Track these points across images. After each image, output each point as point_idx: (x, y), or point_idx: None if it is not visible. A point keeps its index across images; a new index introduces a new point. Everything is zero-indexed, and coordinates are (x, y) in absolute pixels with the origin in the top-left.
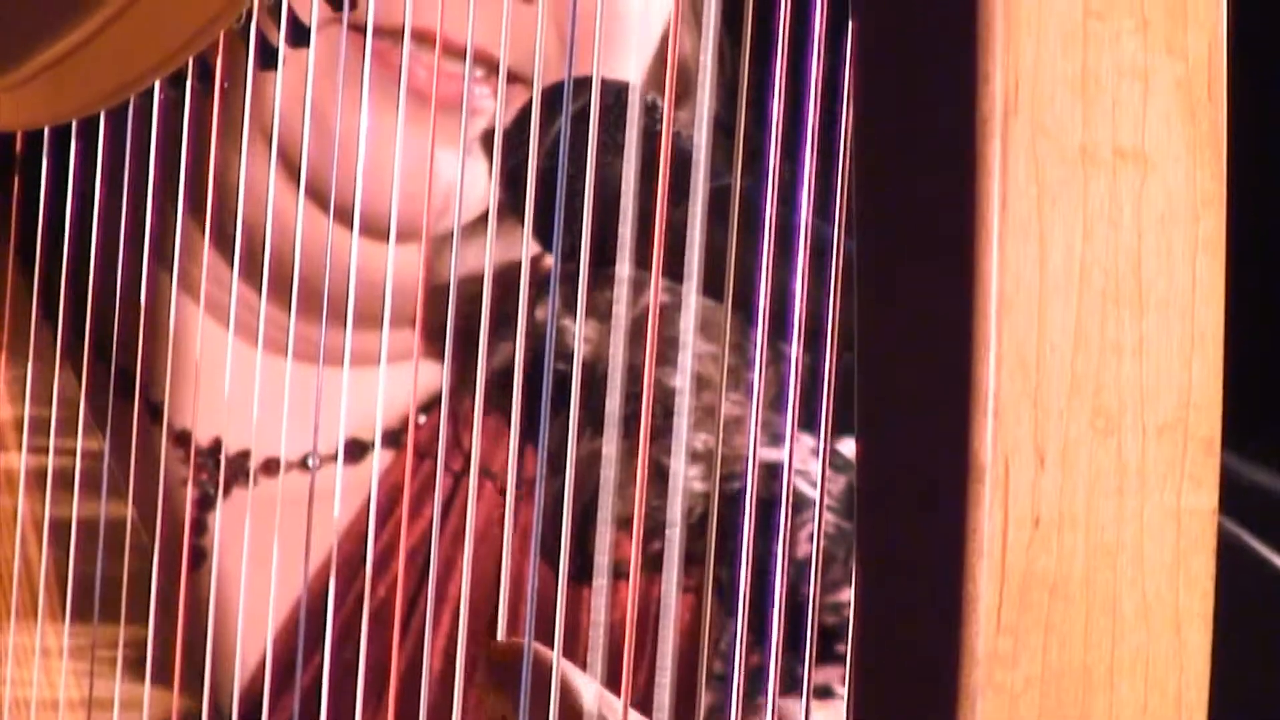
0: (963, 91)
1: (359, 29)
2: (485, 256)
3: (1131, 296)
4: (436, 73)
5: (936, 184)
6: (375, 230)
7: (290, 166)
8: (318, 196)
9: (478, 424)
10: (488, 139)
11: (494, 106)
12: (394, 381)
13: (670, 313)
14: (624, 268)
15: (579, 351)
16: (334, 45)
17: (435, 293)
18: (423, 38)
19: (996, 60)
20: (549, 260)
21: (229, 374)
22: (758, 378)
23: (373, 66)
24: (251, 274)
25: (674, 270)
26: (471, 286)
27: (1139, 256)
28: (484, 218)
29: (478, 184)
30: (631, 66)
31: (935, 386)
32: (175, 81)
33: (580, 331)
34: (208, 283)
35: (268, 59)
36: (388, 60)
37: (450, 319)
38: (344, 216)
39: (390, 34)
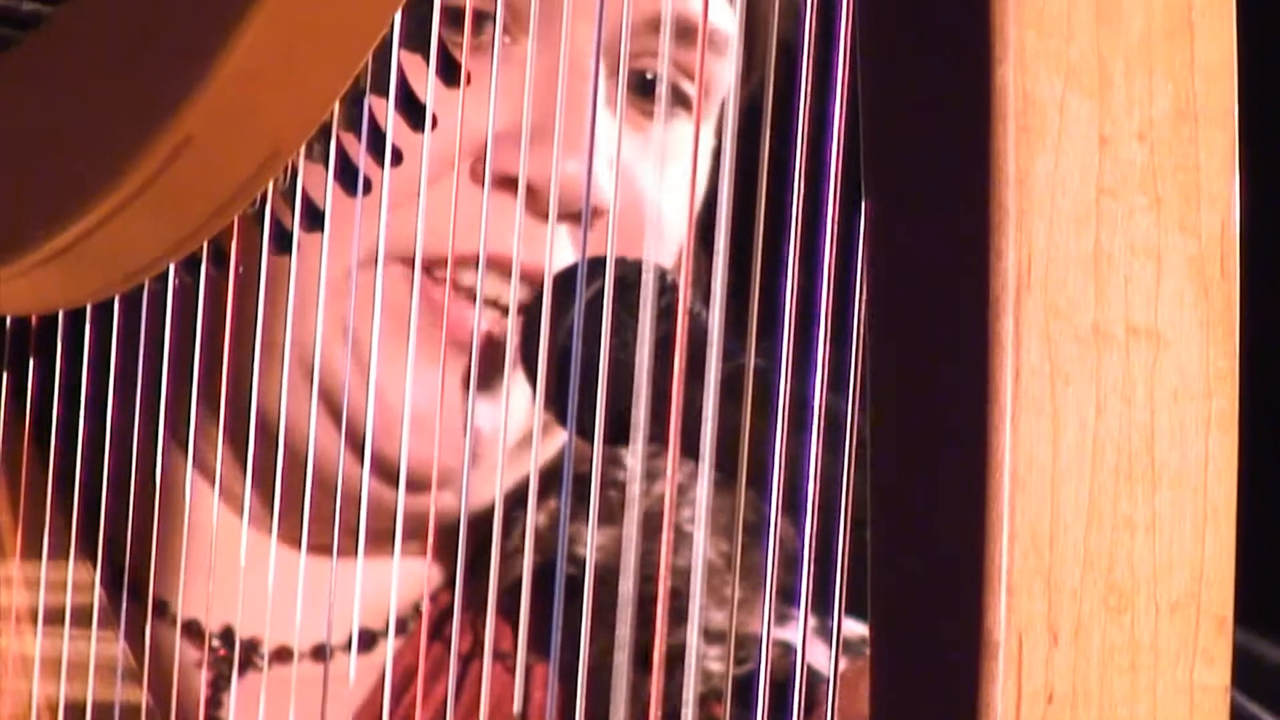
0: (975, 269)
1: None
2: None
3: (1144, 473)
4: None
5: (949, 361)
6: (388, 475)
7: (305, 362)
8: (331, 404)
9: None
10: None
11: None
12: (405, 571)
13: (682, 500)
14: (637, 460)
15: (591, 558)
16: (349, 228)
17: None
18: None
19: (1009, 238)
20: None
21: (242, 562)
22: (771, 557)
23: (389, 287)
24: (265, 470)
25: (687, 447)
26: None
27: (1152, 433)
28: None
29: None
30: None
31: (948, 563)
32: (189, 266)
33: (592, 539)
34: (221, 469)
35: (282, 243)
36: (402, 282)
37: (462, 532)
38: (359, 449)
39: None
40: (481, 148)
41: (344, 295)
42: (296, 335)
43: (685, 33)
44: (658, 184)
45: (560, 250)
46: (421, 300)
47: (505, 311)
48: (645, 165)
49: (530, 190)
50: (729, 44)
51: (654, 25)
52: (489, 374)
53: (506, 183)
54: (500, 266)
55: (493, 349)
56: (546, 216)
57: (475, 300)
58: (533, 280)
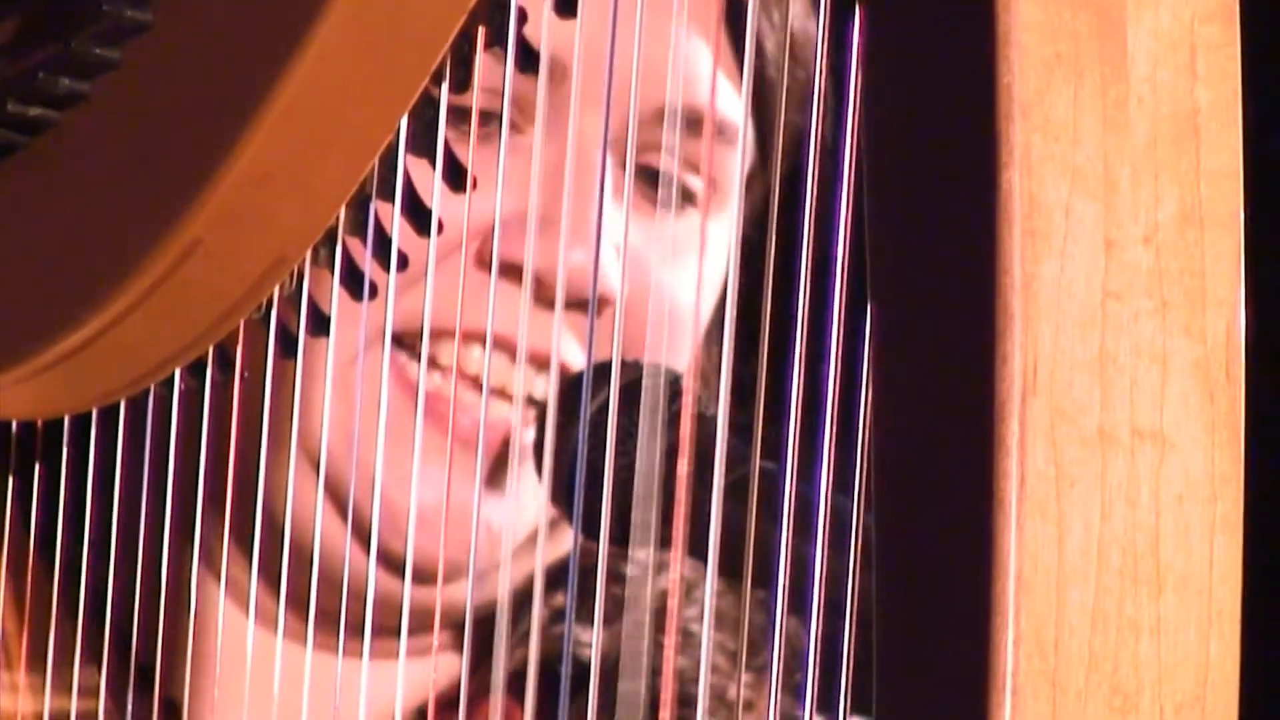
0: (981, 373)
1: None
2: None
3: (1149, 575)
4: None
5: (954, 464)
6: (395, 568)
7: (312, 461)
8: (338, 501)
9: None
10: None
11: (518, 431)
12: (413, 671)
13: (686, 600)
14: (647, 553)
15: (596, 654)
16: (354, 329)
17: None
18: (444, 336)
19: (1015, 342)
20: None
21: (249, 665)
22: (776, 654)
23: (395, 386)
24: (272, 570)
25: (693, 548)
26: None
27: (1157, 536)
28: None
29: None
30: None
31: (954, 664)
32: (195, 370)
33: (598, 639)
34: (229, 571)
35: (288, 348)
36: (407, 379)
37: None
38: (364, 542)
39: (410, 346)
40: (486, 233)
41: (349, 395)
42: (302, 437)
43: (694, 124)
44: (666, 275)
45: (567, 338)
46: (427, 396)
47: (510, 400)
48: (653, 255)
49: (536, 278)
50: (738, 135)
51: (662, 116)
52: (497, 467)
53: (512, 270)
54: (507, 353)
55: (500, 442)
56: (552, 305)
57: (481, 391)
58: (539, 365)
